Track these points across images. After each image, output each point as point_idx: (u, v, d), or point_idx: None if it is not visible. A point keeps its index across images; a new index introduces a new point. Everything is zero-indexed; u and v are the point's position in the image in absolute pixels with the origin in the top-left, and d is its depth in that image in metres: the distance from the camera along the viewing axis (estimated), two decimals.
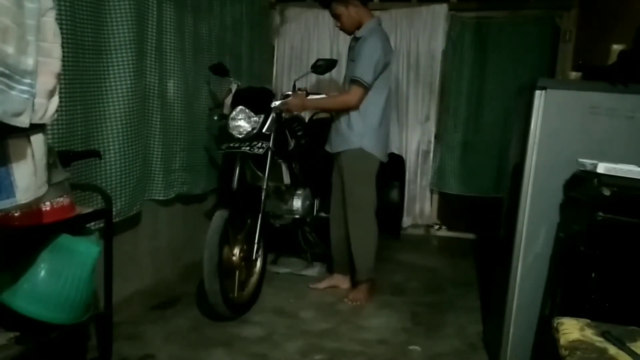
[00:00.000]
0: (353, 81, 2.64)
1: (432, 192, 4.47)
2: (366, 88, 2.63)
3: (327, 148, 2.92)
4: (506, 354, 2.03)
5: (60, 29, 1.87)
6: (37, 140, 1.19)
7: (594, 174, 1.55)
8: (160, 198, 2.79)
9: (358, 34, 2.74)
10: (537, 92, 1.85)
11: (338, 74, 4.39)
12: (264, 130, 2.64)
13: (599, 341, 1.21)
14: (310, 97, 2.82)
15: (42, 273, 1.50)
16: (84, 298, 1.61)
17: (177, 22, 2.80)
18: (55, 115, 1.25)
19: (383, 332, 2.45)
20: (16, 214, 1.40)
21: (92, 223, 2.04)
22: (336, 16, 2.76)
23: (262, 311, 2.62)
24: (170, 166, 2.86)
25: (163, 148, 2.75)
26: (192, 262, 3.09)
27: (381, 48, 2.64)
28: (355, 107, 2.67)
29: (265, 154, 2.63)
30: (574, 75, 2.14)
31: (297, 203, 3.13)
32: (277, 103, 2.71)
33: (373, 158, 2.74)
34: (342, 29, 2.81)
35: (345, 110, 2.71)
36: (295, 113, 3.22)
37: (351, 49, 2.84)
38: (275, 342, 2.30)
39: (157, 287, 2.85)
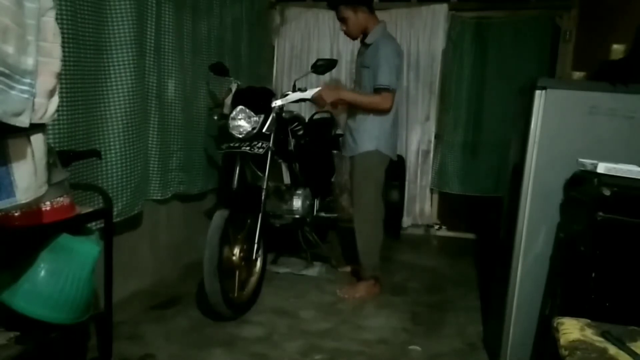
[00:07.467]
0: (380, 89, 2.65)
1: (432, 192, 4.47)
2: (394, 92, 2.69)
3: (343, 152, 2.98)
4: (506, 354, 2.03)
5: (62, 28, 1.90)
6: (37, 140, 1.19)
7: (594, 174, 1.55)
8: (158, 198, 2.79)
9: (368, 40, 2.75)
10: (537, 92, 1.85)
11: (338, 73, 4.42)
12: (264, 130, 2.64)
13: (599, 341, 1.21)
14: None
15: (42, 273, 1.50)
16: (84, 298, 1.61)
17: (176, 21, 2.79)
18: (56, 115, 1.25)
19: (383, 332, 2.45)
20: (16, 214, 1.40)
21: (94, 223, 2.04)
22: (343, 20, 2.75)
23: (262, 311, 2.62)
24: (167, 166, 2.85)
25: (160, 148, 2.74)
26: (192, 262, 3.09)
27: (397, 53, 2.70)
28: (388, 111, 2.73)
29: (265, 153, 2.63)
30: (576, 75, 2.14)
31: (297, 203, 3.13)
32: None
33: (386, 158, 2.83)
34: (347, 33, 2.81)
35: (374, 111, 2.72)
36: (294, 113, 3.22)
37: (361, 54, 2.84)
38: (275, 342, 2.30)
39: (157, 287, 2.85)
